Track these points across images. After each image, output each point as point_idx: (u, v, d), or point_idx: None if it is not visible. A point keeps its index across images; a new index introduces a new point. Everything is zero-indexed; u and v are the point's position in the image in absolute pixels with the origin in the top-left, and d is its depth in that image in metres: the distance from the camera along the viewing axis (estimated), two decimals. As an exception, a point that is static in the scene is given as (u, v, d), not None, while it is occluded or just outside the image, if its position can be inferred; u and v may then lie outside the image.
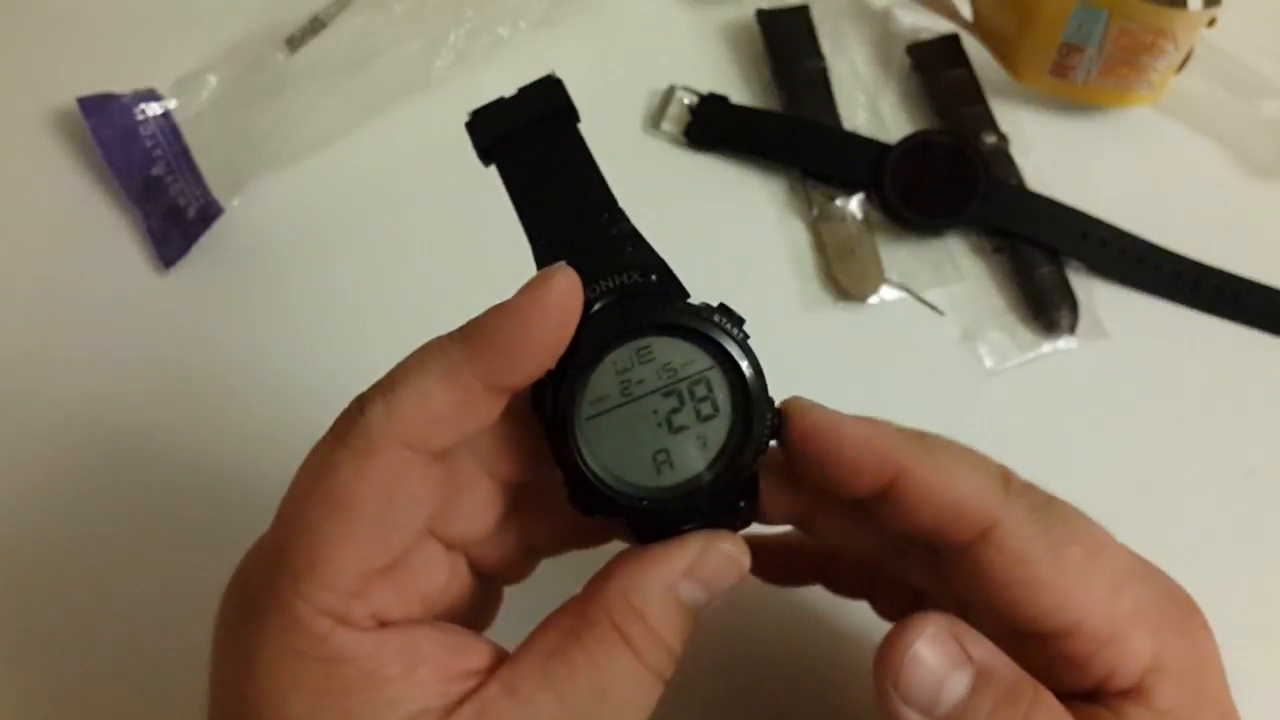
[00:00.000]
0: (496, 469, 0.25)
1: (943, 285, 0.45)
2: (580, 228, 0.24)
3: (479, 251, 0.45)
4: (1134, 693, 0.23)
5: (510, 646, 0.24)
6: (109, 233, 0.45)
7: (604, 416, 0.24)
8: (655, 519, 0.24)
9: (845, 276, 0.44)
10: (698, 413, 0.24)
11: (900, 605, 0.30)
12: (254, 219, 0.45)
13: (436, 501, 0.24)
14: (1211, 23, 0.45)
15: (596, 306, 0.24)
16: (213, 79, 0.46)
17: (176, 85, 0.46)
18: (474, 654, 0.24)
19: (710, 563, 0.24)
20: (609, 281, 0.24)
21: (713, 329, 0.24)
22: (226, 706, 0.23)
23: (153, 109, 0.45)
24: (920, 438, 0.25)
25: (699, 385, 0.24)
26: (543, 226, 0.25)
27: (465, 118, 0.26)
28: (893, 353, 0.44)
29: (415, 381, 0.23)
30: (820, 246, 0.45)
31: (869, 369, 0.43)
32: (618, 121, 0.47)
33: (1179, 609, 0.25)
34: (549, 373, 0.24)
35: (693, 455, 0.24)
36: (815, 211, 0.46)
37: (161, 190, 0.44)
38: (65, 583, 0.38)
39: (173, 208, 0.44)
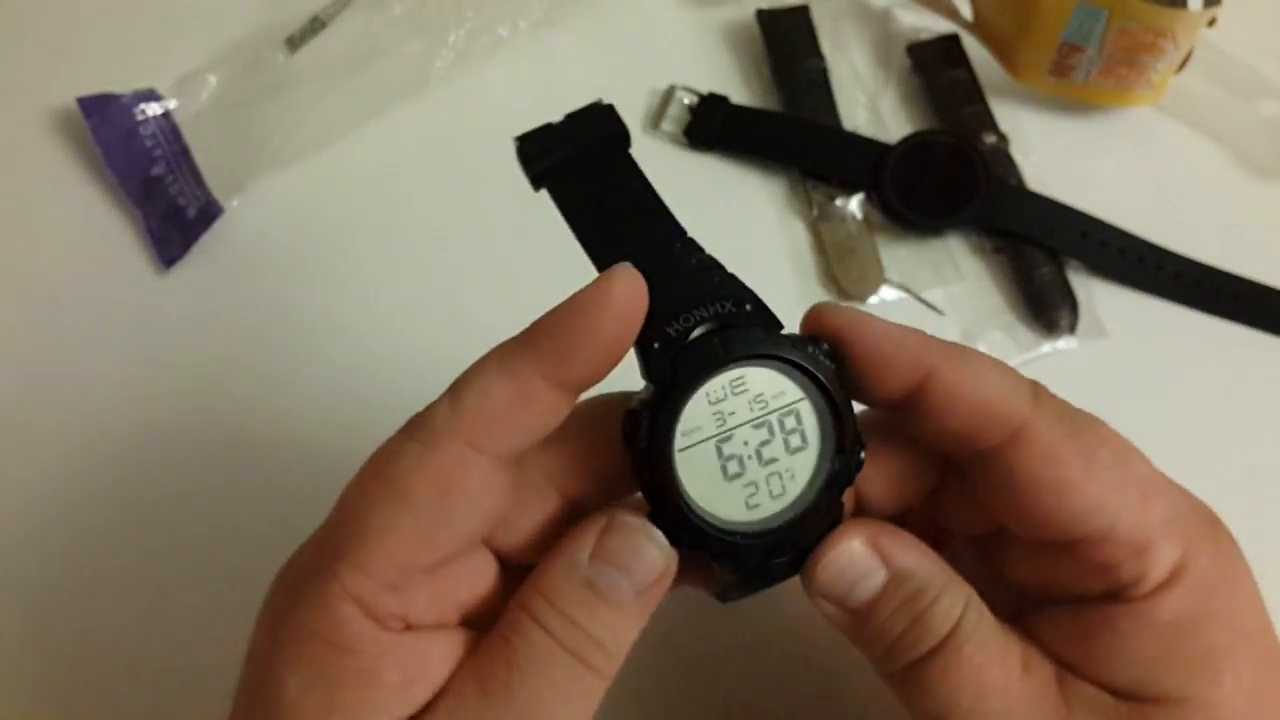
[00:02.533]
0: (567, 487, 0.25)
1: (943, 285, 0.45)
2: (658, 257, 0.24)
3: (479, 251, 0.45)
4: (1152, 595, 0.23)
5: None
6: (109, 233, 0.44)
7: (696, 448, 0.23)
8: (741, 552, 0.24)
9: (845, 276, 0.44)
10: (787, 444, 0.24)
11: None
12: (254, 219, 0.45)
13: (494, 509, 0.23)
14: (1211, 23, 0.45)
15: (694, 335, 0.23)
16: (213, 79, 0.46)
17: (176, 85, 0.46)
18: None
19: (615, 540, 0.23)
20: (704, 311, 0.24)
21: (805, 359, 0.24)
22: (244, 674, 0.24)
23: (153, 109, 0.45)
24: (950, 344, 0.25)
25: (789, 417, 0.24)
26: (615, 256, 0.24)
27: (514, 143, 0.26)
28: (893, 353, 0.43)
29: (477, 380, 0.23)
30: (820, 246, 0.45)
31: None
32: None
33: (1206, 524, 0.25)
34: (641, 402, 0.23)
35: (780, 488, 0.24)
36: (815, 211, 0.46)
37: (161, 190, 0.44)
38: (65, 583, 0.38)
39: (173, 208, 0.44)
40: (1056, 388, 0.43)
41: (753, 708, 0.36)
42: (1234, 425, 0.43)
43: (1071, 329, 0.44)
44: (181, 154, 0.45)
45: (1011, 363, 0.43)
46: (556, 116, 0.26)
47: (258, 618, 0.24)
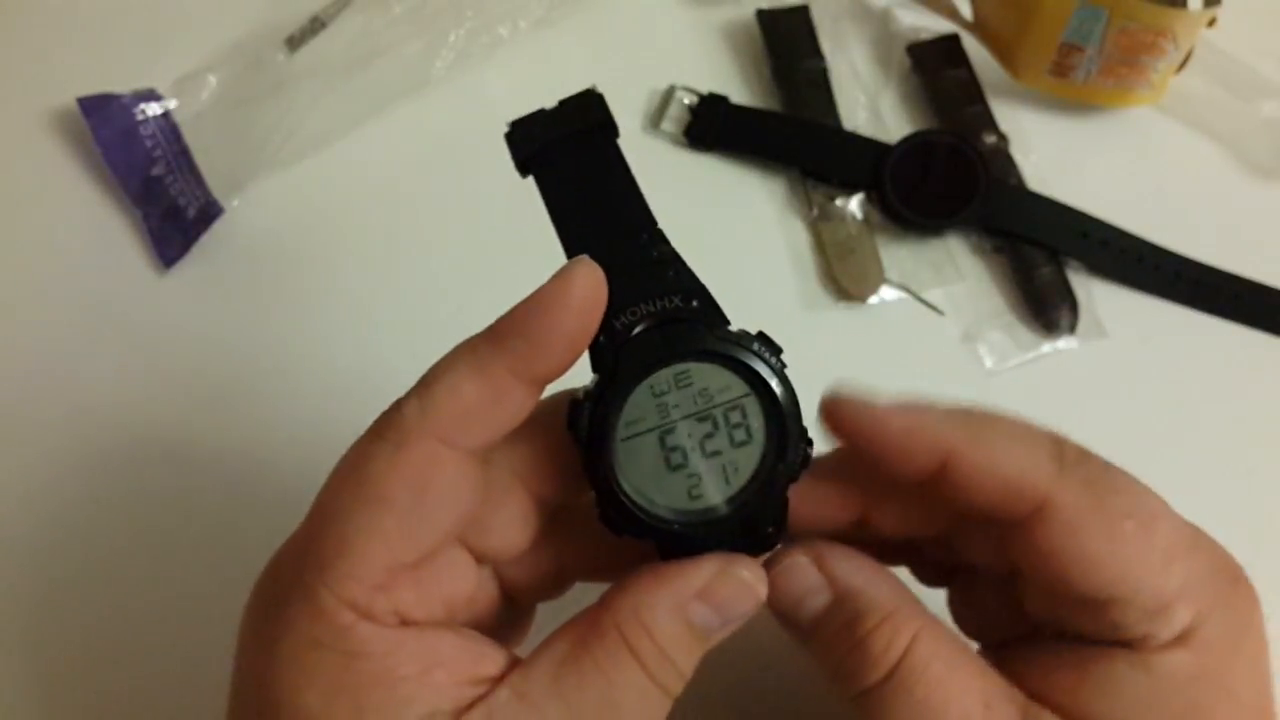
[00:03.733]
0: (533, 484, 0.25)
1: (943, 285, 0.45)
2: (620, 248, 0.24)
3: (479, 250, 0.45)
4: (1153, 652, 0.24)
5: None
6: (109, 233, 0.44)
7: (639, 438, 0.24)
8: (683, 541, 0.24)
9: (845, 276, 0.44)
10: (731, 439, 0.24)
11: (941, 572, 0.30)
12: (254, 219, 0.45)
13: (468, 503, 0.24)
14: (1211, 23, 0.45)
15: (637, 330, 0.24)
16: (213, 79, 0.46)
17: (176, 85, 0.46)
18: (490, 661, 0.24)
19: (724, 587, 0.24)
20: (650, 305, 0.24)
21: (750, 356, 0.24)
22: (245, 696, 0.24)
23: (153, 109, 0.45)
24: (967, 417, 0.25)
25: (734, 411, 0.24)
26: (582, 243, 0.25)
27: (505, 127, 0.26)
28: (893, 353, 0.44)
29: (447, 377, 0.23)
30: (820, 246, 0.45)
31: (869, 369, 0.42)
32: (618, 121, 0.47)
33: (1228, 582, 0.25)
34: (585, 393, 0.24)
35: (724, 481, 0.24)
36: (815, 211, 0.46)
37: (161, 190, 0.44)
38: (65, 583, 0.38)
39: (173, 208, 0.44)
40: (1056, 388, 0.43)
41: (752, 708, 0.36)
42: (1234, 425, 0.43)
43: (1071, 329, 0.44)
44: (181, 154, 0.45)
45: (1011, 363, 0.43)
46: (550, 103, 0.26)
47: (241, 631, 0.24)
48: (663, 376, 0.24)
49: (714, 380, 0.24)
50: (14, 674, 0.37)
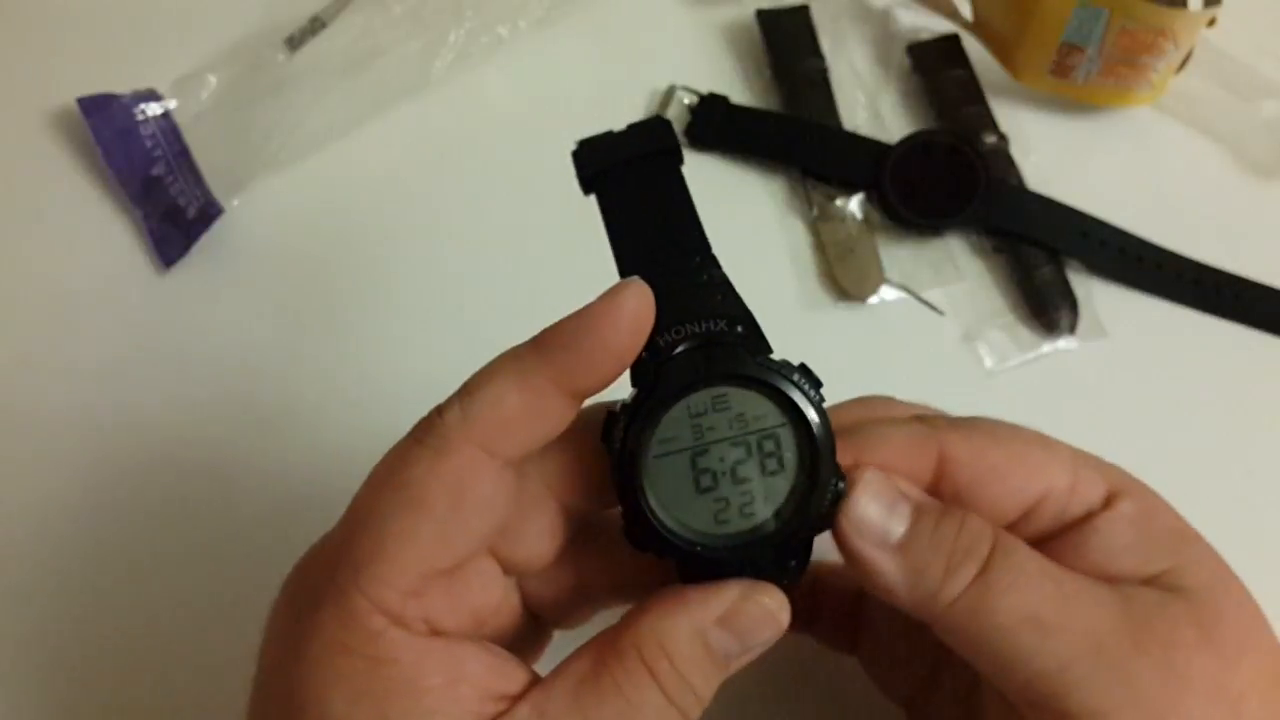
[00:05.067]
0: (563, 494, 0.25)
1: (943, 285, 0.45)
2: (672, 268, 0.25)
3: (479, 250, 0.45)
4: (1103, 510, 0.26)
5: None
6: (109, 233, 0.45)
7: (671, 457, 0.24)
8: (705, 565, 0.24)
9: (845, 276, 0.44)
10: (763, 467, 0.24)
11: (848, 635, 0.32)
12: (254, 219, 0.45)
13: (503, 512, 0.24)
14: (1211, 23, 0.45)
15: (680, 349, 0.24)
16: (213, 79, 0.46)
17: (176, 85, 0.46)
18: (513, 678, 0.24)
19: (745, 614, 0.24)
20: (695, 326, 0.24)
21: (790, 386, 0.24)
22: (269, 694, 0.24)
23: (153, 109, 0.45)
24: (855, 439, 0.26)
25: (768, 440, 0.24)
26: (635, 261, 0.25)
27: (572, 146, 0.26)
28: (893, 353, 0.44)
29: (490, 385, 0.23)
30: (820, 246, 0.45)
31: (869, 369, 0.43)
32: (618, 121, 0.47)
33: (1122, 473, 0.27)
34: (623, 406, 0.24)
35: (752, 509, 0.24)
36: (815, 211, 0.46)
37: (161, 190, 0.44)
38: (64, 583, 0.38)
39: (173, 208, 0.44)
40: (1056, 388, 0.43)
41: (755, 708, 0.36)
42: (1234, 425, 0.43)
43: (1071, 329, 0.44)
44: (181, 154, 0.45)
45: (1011, 363, 0.43)
46: (619, 125, 0.27)
47: (268, 629, 0.24)
48: (701, 398, 0.24)
49: (751, 407, 0.24)
50: (13, 672, 0.37)
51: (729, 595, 0.24)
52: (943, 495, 0.26)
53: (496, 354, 0.24)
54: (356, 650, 0.22)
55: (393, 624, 0.22)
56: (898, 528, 0.25)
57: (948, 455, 0.26)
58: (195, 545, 0.39)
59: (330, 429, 0.41)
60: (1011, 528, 0.26)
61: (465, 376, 0.24)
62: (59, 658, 0.37)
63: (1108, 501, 0.26)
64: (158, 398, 0.41)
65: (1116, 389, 0.43)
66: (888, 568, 0.25)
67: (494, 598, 0.25)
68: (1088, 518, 0.26)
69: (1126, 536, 0.25)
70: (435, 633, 0.23)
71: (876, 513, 0.25)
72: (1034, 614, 0.23)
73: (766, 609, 0.24)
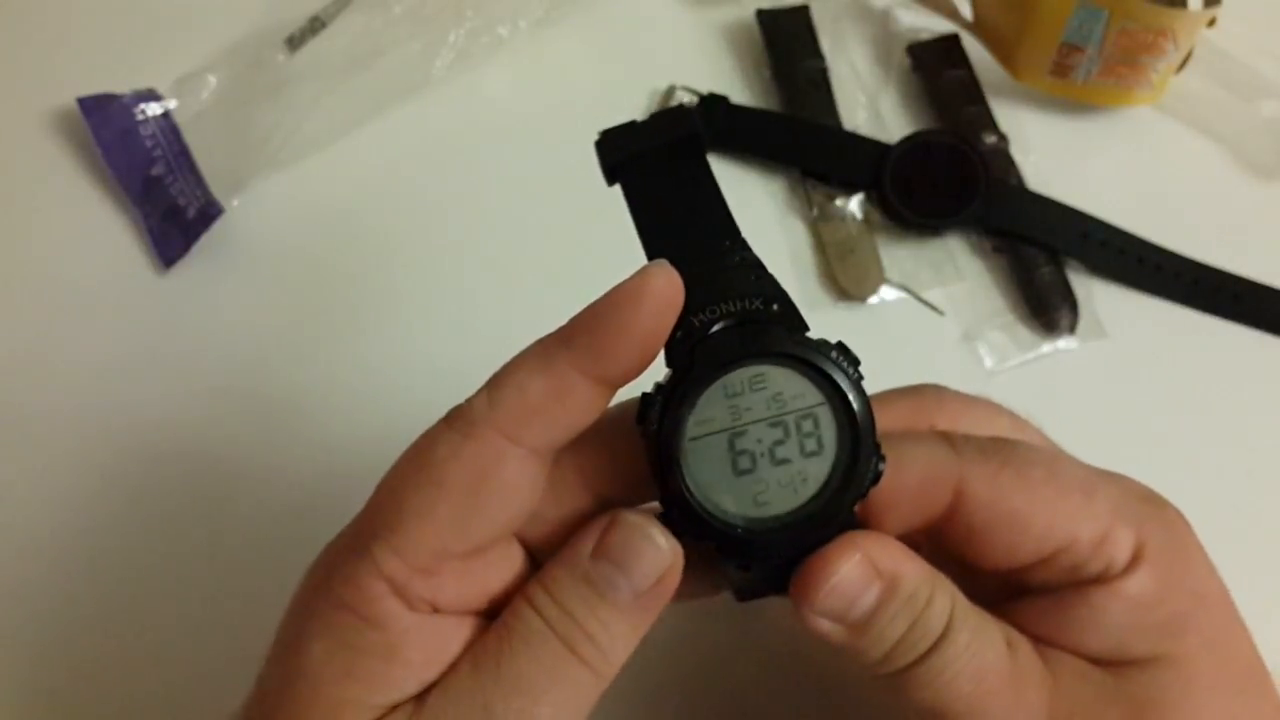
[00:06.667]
0: (597, 484, 0.25)
1: (943, 285, 0.45)
2: (702, 252, 0.24)
3: (479, 249, 0.45)
4: (1119, 576, 0.25)
5: None
6: (109, 233, 0.45)
7: (708, 439, 0.23)
8: (745, 547, 0.24)
9: (845, 276, 0.44)
10: (802, 448, 0.24)
11: None
12: (254, 219, 0.45)
13: (527, 503, 0.24)
14: (1211, 23, 0.45)
15: (716, 328, 0.23)
16: (213, 79, 0.46)
17: (176, 85, 0.46)
18: None
19: (617, 538, 0.23)
20: (730, 305, 0.24)
21: (829, 364, 0.23)
22: (275, 641, 0.24)
23: (153, 109, 0.45)
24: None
25: (807, 420, 0.24)
26: (664, 249, 0.24)
27: (595, 136, 0.26)
28: (893, 353, 0.43)
29: (515, 373, 0.23)
30: (820, 246, 0.45)
31: (869, 369, 0.42)
32: (618, 121, 0.47)
33: (1150, 503, 0.26)
34: (658, 387, 0.24)
35: (792, 490, 0.24)
36: (815, 211, 0.46)
37: (161, 190, 0.44)
38: (64, 584, 0.38)
39: (173, 208, 0.44)
40: (1056, 388, 0.43)
41: (756, 708, 0.36)
42: (1234, 425, 0.43)
43: (1071, 329, 0.44)
44: (181, 154, 0.45)
45: (1011, 363, 0.43)
46: (640, 116, 0.27)
47: (293, 595, 0.25)
48: (737, 377, 0.23)
49: (789, 386, 0.24)
50: (12, 671, 0.37)
51: (599, 524, 0.24)
52: (954, 532, 0.25)
53: (496, 353, 0.24)
54: (350, 607, 0.23)
55: (393, 593, 0.23)
56: (858, 612, 0.24)
57: (967, 492, 0.25)
58: (196, 544, 0.39)
59: (330, 428, 0.41)
60: (1016, 571, 0.25)
61: (464, 376, 0.24)
62: (60, 657, 0.37)
63: (1130, 563, 0.25)
64: (158, 397, 0.42)
65: (1116, 389, 0.43)
66: (840, 638, 0.25)
67: (512, 581, 0.25)
68: (1100, 579, 0.25)
69: (1125, 618, 0.25)
70: (436, 611, 0.23)
71: (839, 604, 0.24)
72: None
73: (634, 525, 0.23)
